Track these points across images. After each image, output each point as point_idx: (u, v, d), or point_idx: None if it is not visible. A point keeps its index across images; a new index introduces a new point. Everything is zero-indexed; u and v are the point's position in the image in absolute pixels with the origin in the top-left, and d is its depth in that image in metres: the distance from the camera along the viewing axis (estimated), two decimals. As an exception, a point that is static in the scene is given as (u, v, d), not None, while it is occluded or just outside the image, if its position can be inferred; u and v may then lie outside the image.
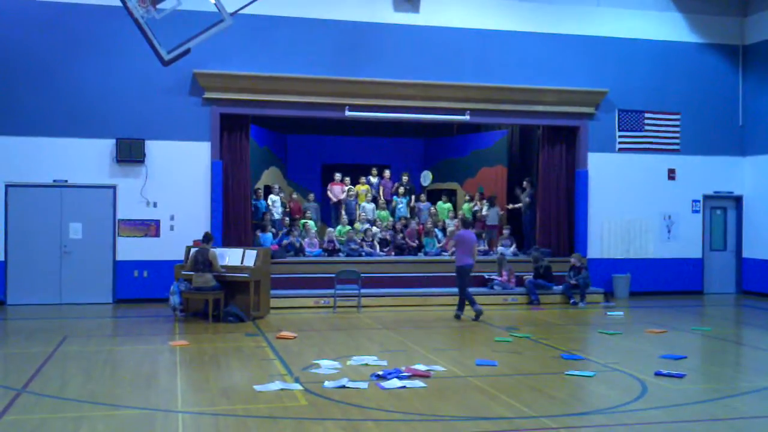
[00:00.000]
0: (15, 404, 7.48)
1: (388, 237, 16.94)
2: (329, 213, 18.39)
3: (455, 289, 13.73)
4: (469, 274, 13.41)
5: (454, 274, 13.69)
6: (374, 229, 17.07)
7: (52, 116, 14.68)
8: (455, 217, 17.94)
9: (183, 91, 15.17)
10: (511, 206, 18.15)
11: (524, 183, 17.84)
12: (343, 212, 17.74)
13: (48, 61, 14.69)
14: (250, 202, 16.15)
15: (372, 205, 17.91)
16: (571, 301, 15.43)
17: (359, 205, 17.89)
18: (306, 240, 16.48)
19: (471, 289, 14.46)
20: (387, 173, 18.87)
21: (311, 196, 18.23)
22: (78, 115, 14.77)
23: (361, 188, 18.29)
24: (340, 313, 14.13)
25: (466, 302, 13.45)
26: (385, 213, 17.87)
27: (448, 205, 18.55)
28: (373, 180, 18.68)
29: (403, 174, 18.73)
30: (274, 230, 16.35)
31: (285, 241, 16.13)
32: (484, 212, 17.94)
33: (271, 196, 17.17)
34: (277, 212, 16.94)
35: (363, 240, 16.72)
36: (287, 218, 17.08)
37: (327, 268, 15.35)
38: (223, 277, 13.04)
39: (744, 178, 17.96)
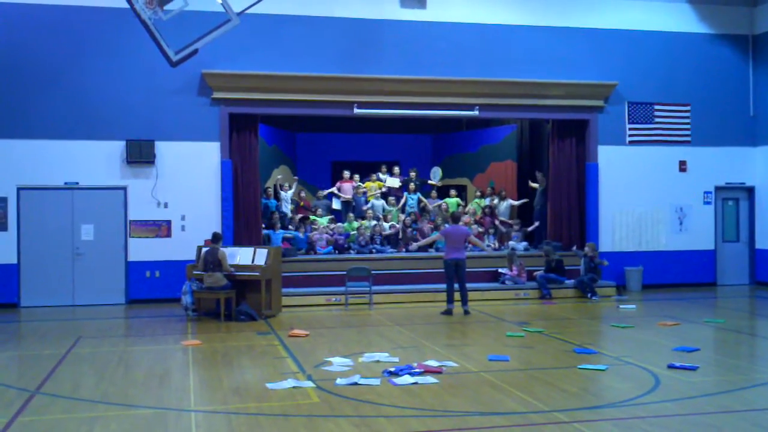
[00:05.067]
0: (29, 405, 7.52)
1: (397, 232, 16.94)
2: (339, 210, 18.36)
3: (457, 285, 13.70)
4: (455, 268, 13.40)
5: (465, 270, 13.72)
6: (384, 224, 17.09)
7: (62, 119, 14.75)
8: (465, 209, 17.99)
9: (191, 91, 15.21)
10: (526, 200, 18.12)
11: (538, 175, 17.75)
12: (352, 210, 17.74)
13: (57, 64, 14.76)
14: (260, 200, 16.18)
15: (381, 202, 17.91)
16: (588, 294, 15.38)
17: (369, 201, 17.89)
18: (315, 233, 16.52)
19: (481, 284, 14.49)
20: (396, 170, 18.85)
21: (320, 193, 18.24)
22: (87, 118, 14.83)
23: (371, 185, 18.28)
24: (352, 311, 14.15)
25: (456, 294, 13.55)
26: (394, 209, 17.87)
27: (457, 199, 18.51)
28: (383, 177, 18.68)
29: (411, 170, 18.69)
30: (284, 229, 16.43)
31: (290, 234, 16.21)
32: (501, 208, 17.88)
33: (282, 193, 17.22)
34: (287, 208, 16.99)
35: (372, 237, 16.73)
36: (297, 216, 17.11)
37: (338, 266, 15.37)
38: (234, 276, 13.07)
39: (756, 169, 17.85)
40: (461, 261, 13.47)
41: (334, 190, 18.29)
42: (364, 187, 18.11)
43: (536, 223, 17.65)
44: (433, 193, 18.80)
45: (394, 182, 18.45)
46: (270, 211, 16.58)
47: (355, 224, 17.10)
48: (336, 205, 18.19)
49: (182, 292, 13.35)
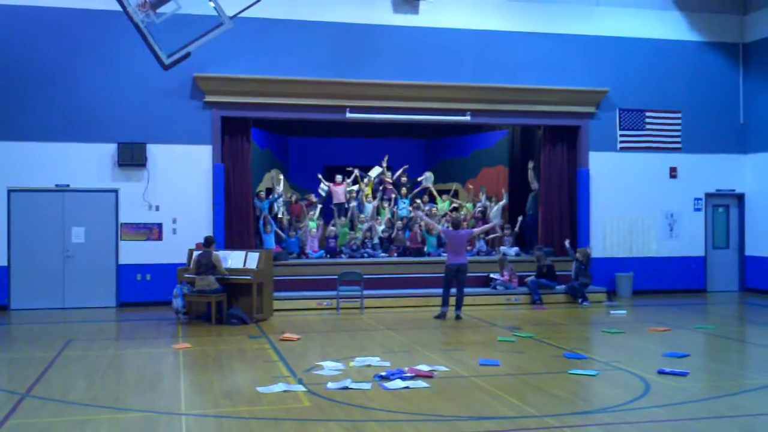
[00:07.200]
0: (19, 408, 7.49)
1: (389, 236, 16.98)
2: (331, 214, 18.38)
3: (453, 290, 13.70)
4: (456, 272, 13.43)
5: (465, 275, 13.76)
6: (377, 227, 17.11)
7: (54, 121, 14.71)
8: (456, 209, 18.08)
9: (184, 94, 15.19)
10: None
11: (531, 164, 17.80)
12: (341, 213, 17.74)
13: (49, 66, 14.72)
14: (252, 204, 16.17)
15: (371, 204, 17.91)
16: (579, 300, 15.40)
17: (362, 204, 17.89)
18: (309, 238, 16.54)
19: (472, 289, 14.48)
20: (388, 174, 18.86)
21: (312, 197, 18.24)
22: (79, 120, 14.80)
23: (364, 186, 18.30)
24: (343, 315, 14.14)
25: (452, 298, 13.58)
26: (387, 209, 17.89)
27: (447, 202, 18.57)
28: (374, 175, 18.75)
29: (403, 175, 18.72)
30: (278, 230, 16.46)
31: (284, 242, 16.22)
32: (492, 212, 17.89)
33: (276, 195, 17.21)
34: (279, 210, 17.00)
35: (364, 240, 16.75)
36: (291, 219, 17.12)
37: (329, 270, 15.39)
38: (226, 279, 13.06)
39: (745, 176, 17.95)
40: (463, 266, 13.49)
41: (323, 184, 18.30)
42: (357, 188, 18.11)
43: (519, 219, 17.72)
44: (425, 198, 18.83)
45: (375, 171, 18.48)
46: (262, 214, 16.57)
47: (348, 227, 17.13)
48: (323, 188, 18.20)
49: (173, 295, 13.33)
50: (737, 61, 17.93)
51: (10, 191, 14.65)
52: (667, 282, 17.44)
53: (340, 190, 18.03)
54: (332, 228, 16.99)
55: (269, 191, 17.59)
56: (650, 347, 10.72)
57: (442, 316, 13.43)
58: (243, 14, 12.75)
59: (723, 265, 18.03)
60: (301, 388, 8.20)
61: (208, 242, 13.19)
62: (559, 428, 6.76)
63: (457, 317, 13.44)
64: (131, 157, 14.85)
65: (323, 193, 18.25)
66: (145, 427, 6.89)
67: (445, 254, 14.89)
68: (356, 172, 18.47)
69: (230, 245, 15.19)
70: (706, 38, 17.73)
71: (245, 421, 7.00)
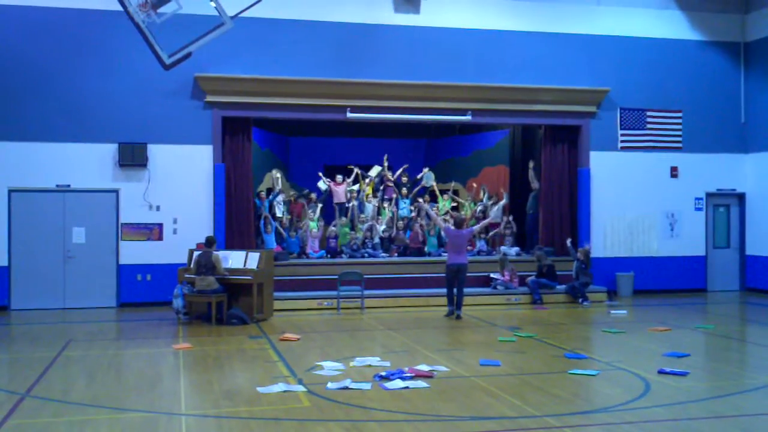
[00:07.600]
0: (19, 408, 7.49)
1: (390, 235, 16.98)
2: (332, 213, 18.39)
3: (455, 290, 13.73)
4: (456, 272, 13.46)
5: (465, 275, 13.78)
6: (378, 227, 17.10)
7: (54, 121, 14.72)
8: (456, 208, 18.07)
9: (185, 94, 15.19)
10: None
11: (531, 164, 17.79)
12: (342, 212, 17.74)
13: (49, 66, 14.72)
14: (253, 204, 16.17)
15: (371, 204, 17.90)
16: (580, 299, 15.39)
17: (363, 204, 17.89)
18: (309, 238, 16.53)
19: (472, 289, 14.44)
20: (389, 173, 18.87)
21: (313, 196, 18.24)
22: (80, 120, 14.81)
23: (364, 185, 18.31)
24: (344, 315, 14.14)
25: (455, 298, 13.63)
26: (387, 208, 17.90)
27: (449, 200, 18.60)
28: (371, 173, 18.78)
29: (404, 174, 18.72)
30: (279, 228, 16.48)
31: (284, 242, 16.22)
32: (493, 212, 17.86)
33: (278, 197, 17.22)
34: (279, 210, 17.00)
35: (365, 240, 16.75)
36: (291, 218, 17.12)
37: (330, 270, 15.39)
38: (227, 279, 13.05)
39: (746, 176, 17.93)
40: (463, 266, 13.51)
41: (322, 181, 18.30)
42: (358, 188, 18.11)
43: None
44: (427, 197, 18.82)
45: (375, 170, 18.50)
46: (263, 214, 16.56)
47: (348, 227, 17.12)
48: (322, 185, 18.20)
49: (174, 295, 13.33)
50: (738, 61, 17.91)
51: (10, 191, 14.65)
52: (667, 282, 17.42)
53: (341, 189, 18.03)
54: (333, 228, 16.98)
55: (270, 191, 17.60)
56: (650, 347, 10.72)
57: (450, 314, 13.48)
58: (244, 14, 12.73)
59: (723, 265, 18.01)
60: (301, 388, 8.20)
61: (209, 242, 13.19)
62: (560, 428, 6.75)
63: (457, 317, 13.44)
64: (132, 157, 14.85)
65: (323, 190, 18.23)
66: (145, 427, 6.89)
67: (445, 254, 14.92)
68: (357, 171, 18.49)
69: (231, 245, 15.19)
70: (708, 37, 17.71)
71: (245, 421, 7.00)
